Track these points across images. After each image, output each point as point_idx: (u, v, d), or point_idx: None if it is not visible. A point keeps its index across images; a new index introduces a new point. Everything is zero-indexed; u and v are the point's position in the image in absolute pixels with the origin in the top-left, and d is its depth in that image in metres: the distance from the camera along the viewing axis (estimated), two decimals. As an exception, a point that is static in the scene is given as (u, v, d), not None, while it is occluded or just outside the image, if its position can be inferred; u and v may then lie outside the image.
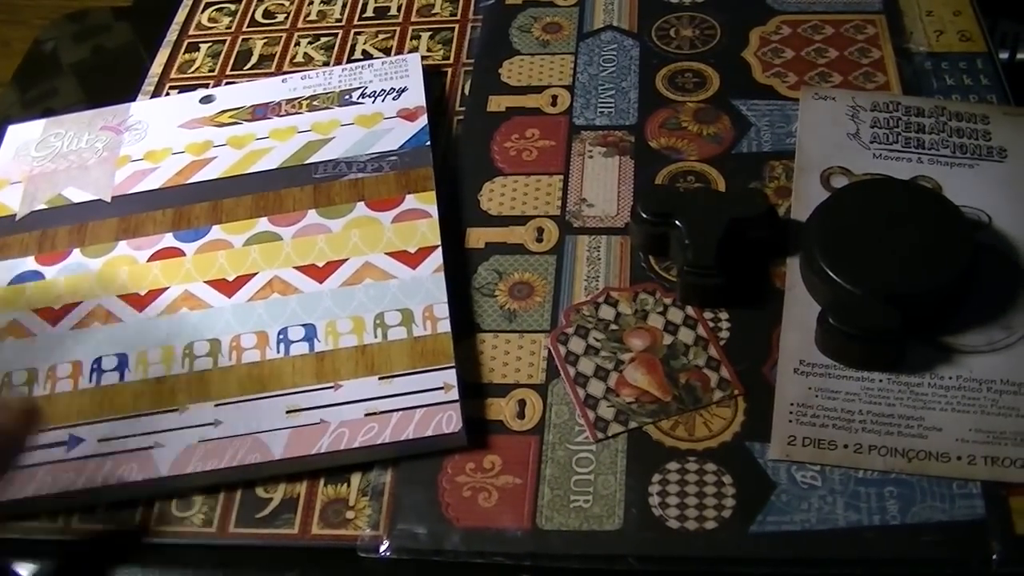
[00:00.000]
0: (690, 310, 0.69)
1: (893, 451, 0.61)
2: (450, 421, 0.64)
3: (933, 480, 0.61)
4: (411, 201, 0.75)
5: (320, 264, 0.73)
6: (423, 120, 0.81)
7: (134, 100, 0.90)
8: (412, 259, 0.72)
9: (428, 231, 0.73)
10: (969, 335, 0.66)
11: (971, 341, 0.66)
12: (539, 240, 0.74)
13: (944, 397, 0.63)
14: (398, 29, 0.93)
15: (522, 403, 0.66)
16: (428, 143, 0.79)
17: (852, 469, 0.61)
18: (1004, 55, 0.97)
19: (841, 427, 0.62)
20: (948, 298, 0.66)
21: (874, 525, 0.59)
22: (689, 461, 0.63)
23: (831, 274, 0.66)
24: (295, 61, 0.91)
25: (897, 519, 0.60)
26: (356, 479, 0.65)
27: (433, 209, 0.74)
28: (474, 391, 0.67)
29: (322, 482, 0.65)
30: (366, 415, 0.65)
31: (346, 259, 0.73)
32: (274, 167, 0.80)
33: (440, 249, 0.72)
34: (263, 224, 0.76)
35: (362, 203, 0.76)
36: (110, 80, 0.96)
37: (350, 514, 0.63)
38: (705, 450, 0.63)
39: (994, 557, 0.58)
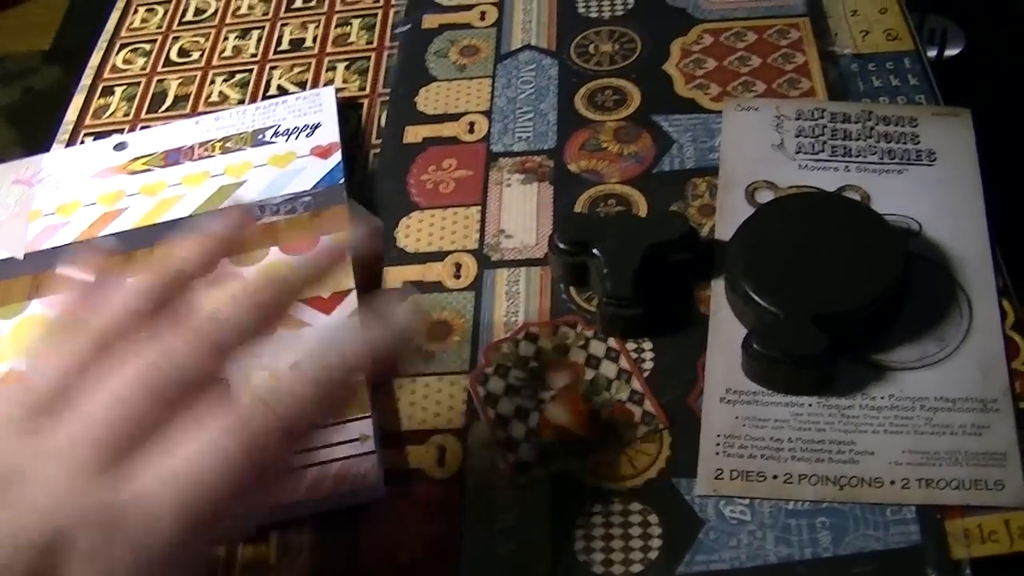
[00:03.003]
0: (612, 342, 0.66)
1: (824, 479, 0.59)
2: (368, 474, 0.62)
3: (866, 507, 0.59)
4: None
5: (232, 315, 0.70)
6: (337, 156, 0.79)
7: (48, 150, 0.86)
8: (326, 304, 0.70)
9: (342, 274, 0.71)
10: (901, 351, 0.64)
11: (903, 357, 0.64)
12: (457, 276, 0.72)
13: (876, 418, 0.61)
14: (314, 61, 0.91)
15: (442, 449, 0.64)
16: (342, 180, 0.77)
17: (782, 501, 0.59)
18: (933, 52, 0.95)
19: (770, 457, 0.60)
20: (878, 315, 0.63)
21: (806, 559, 0.57)
22: (614, 502, 0.61)
23: (754, 296, 0.64)
24: (210, 100, 0.89)
25: (830, 551, 0.58)
26: (276, 537, 0.62)
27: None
28: (392, 439, 0.65)
29: (240, 544, 0.62)
30: (280, 473, 0.62)
31: (259, 308, 0.70)
32: (187, 214, 0.77)
33: (355, 293, 0.69)
34: (175, 276, 0.73)
35: (276, 248, 0.73)
36: (42, 121, 0.93)
37: None
38: (630, 489, 0.61)
39: (930, 586, 0.55)
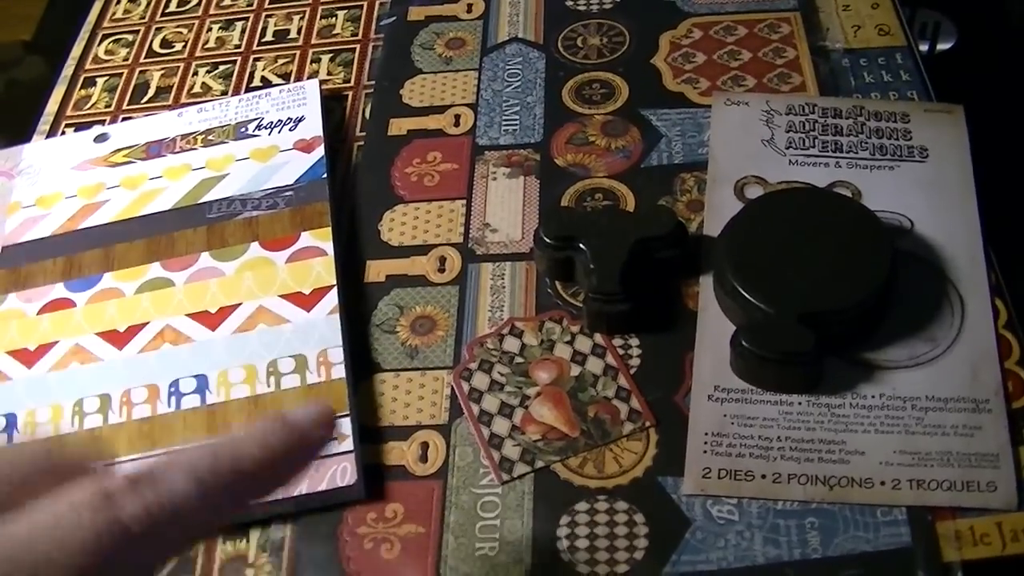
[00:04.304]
0: (599, 338, 0.65)
1: (814, 479, 0.58)
2: (345, 473, 0.60)
3: (856, 508, 0.58)
4: (306, 239, 0.72)
5: (213, 310, 0.69)
6: (320, 151, 0.78)
7: (29, 141, 0.85)
8: (306, 301, 0.68)
9: (323, 270, 0.70)
10: (891, 350, 0.63)
11: (893, 356, 0.63)
12: (441, 270, 0.70)
13: (867, 418, 0.60)
14: (298, 53, 0.89)
15: (425, 445, 0.63)
16: (325, 176, 0.76)
17: (771, 501, 0.58)
18: (924, 47, 0.94)
19: (759, 456, 0.59)
20: (867, 314, 0.62)
21: (795, 560, 0.56)
22: (599, 500, 0.60)
23: (742, 293, 0.63)
24: (193, 92, 0.88)
25: (819, 552, 0.56)
26: (256, 534, 0.61)
27: (329, 246, 0.71)
28: (375, 435, 0.64)
29: (220, 539, 0.61)
30: (258, 470, 0.60)
31: (239, 304, 0.69)
32: (168, 208, 0.76)
33: (336, 289, 0.69)
34: (155, 270, 0.72)
35: (256, 243, 0.72)
36: (24, 113, 0.92)
37: (250, 572, 0.60)
38: (615, 487, 0.60)
39: (921, 589, 0.53)
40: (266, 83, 0.87)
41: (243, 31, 0.93)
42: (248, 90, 0.87)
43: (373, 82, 0.85)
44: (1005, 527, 0.56)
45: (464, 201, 0.74)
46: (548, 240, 0.67)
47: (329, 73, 0.87)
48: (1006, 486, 0.57)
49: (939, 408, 0.60)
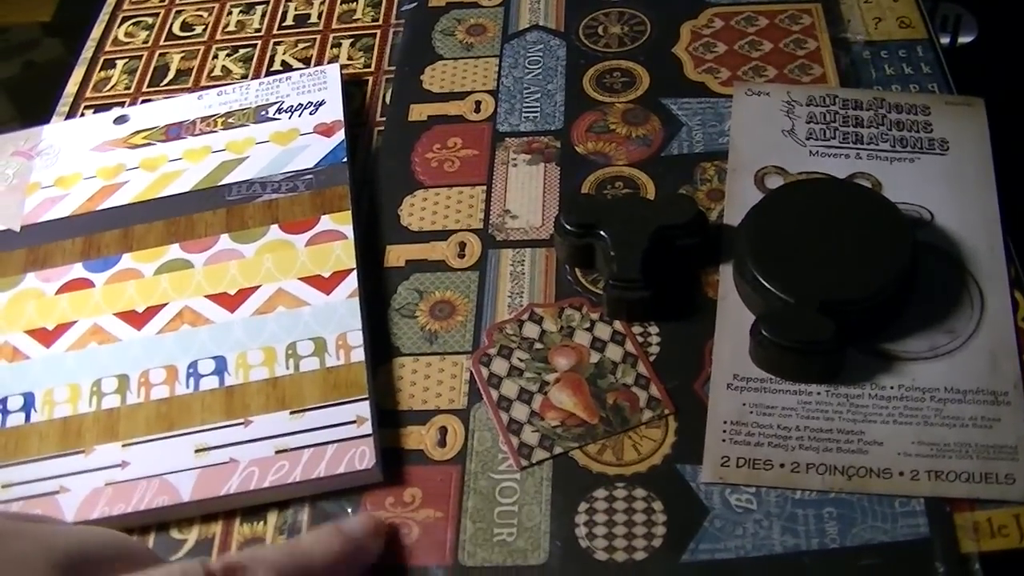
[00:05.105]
0: (618, 325, 0.65)
1: (832, 469, 0.58)
2: (363, 457, 0.60)
3: (874, 499, 0.58)
4: (326, 222, 0.72)
5: (232, 292, 0.69)
6: (340, 135, 0.78)
7: (48, 122, 0.85)
8: (326, 284, 0.68)
9: (343, 253, 0.70)
10: (911, 341, 0.63)
11: (913, 347, 0.62)
12: (461, 256, 0.70)
13: (885, 408, 0.60)
14: (318, 37, 0.89)
15: (443, 430, 0.63)
16: (345, 160, 0.76)
17: (789, 490, 0.58)
18: (946, 40, 0.94)
19: (777, 445, 0.59)
20: (887, 304, 0.62)
21: (813, 549, 0.56)
22: (617, 487, 0.60)
23: (762, 282, 0.63)
24: (213, 75, 0.88)
25: (837, 542, 0.56)
26: (273, 517, 0.62)
27: (348, 230, 0.71)
28: (393, 419, 0.64)
29: (238, 521, 0.62)
30: (276, 452, 0.61)
31: (258, 286, 0.69)
32: (187, 190, 0.77)
33: (355, 272, 0.69)
34: (174, 251, 0.73)
35: (276, 226, 0.72)
36: (42, 95, 0.92)
37: (267, 554, 0.59)
38: (634, 475, 0.60)
39: (939, 580, 0.54)
40: (286, 67, 0.87)
41: (263, 15, 0.93)
42: (268, 74, 0.87)
43: (394, 67, 0.85)
44: (1023, 519, 0.56)
45: (484, 187, 0.74)
46: (568, 227, 0.67)
47: (350, 58, 0.87)
48: (1024, 479, 0.57)
49: (958, 400, 0.60)
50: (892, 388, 0.61)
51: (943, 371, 0.61)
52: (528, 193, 0.73)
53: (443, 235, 0.72)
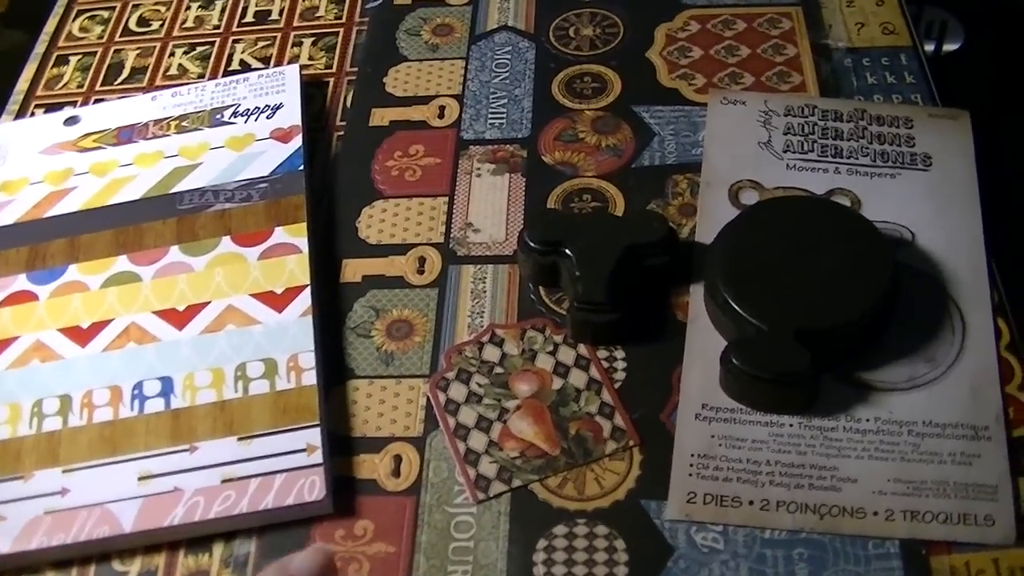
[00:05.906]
0: (582, 349, 0.63)
1: (803, 507, 0.56)
2: (313, 488, 0.58)
3: (847, 539, 0.55)
4: (280, 235, 0.69)
5: (180, 308, 0.67)
6: (298, 141, 0.75)
7: (-1, 118, 0.82)
8: (278, 301, 0.65)
9: (297, 268, 0.67)
10: (889, 370, 0.60)
11: (891, 377, 0.60)
12: (420, 271, 0.67)
13: (860, 443, 0.57)
14: (279, 36, 0.86)
15: (398, 459, 0.60)
16: (302, 167, 0.73)
17: (758, 529, 0.56)
18: (931, 47, 0.91)
19: (747, 480, 0.56)
20: (865, 331, 0.59)
21: (782, 593, 0.53)
22: (578, 524, 0.57)
23: (734, 306, 0.60)
24: (168, 74, 0.85)
25: (807, 585, 0.53)
26: (219, 548, 0.59)
27: (304, 243, 0.68)
28: (346, 446, 0.61)
29: (183, 552, 0.59)
30: (223, 481, 0.59)
31: (208, 302, 0.67)
32: (137, 197, 0.73)
33: (309, 289, 0.66)
34: (122, 263, 0.70)
35: (228, 238, 0.70)
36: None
37: (212, 588, 0.56)
38: (596, 510, 0.57)
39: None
40: (245, 67, 0.84)
41: (223, 10, 0.90)
42: (226, 74, 0.84)
43: (356, 68, 0.82)
44: (1002, 564, 0.54)
45: (446, 198, 0.71)
46: (532, 244, 0.64)
47: (311, 58, 0.84)
48: (1004, 520, 0.55)
49: (936, 434, 0.58)
50: (868, 421, 0.58)
51: (922, 403, 0.59)
52: (492, 205, 0.70)
53: (402, 249, 0.69)
